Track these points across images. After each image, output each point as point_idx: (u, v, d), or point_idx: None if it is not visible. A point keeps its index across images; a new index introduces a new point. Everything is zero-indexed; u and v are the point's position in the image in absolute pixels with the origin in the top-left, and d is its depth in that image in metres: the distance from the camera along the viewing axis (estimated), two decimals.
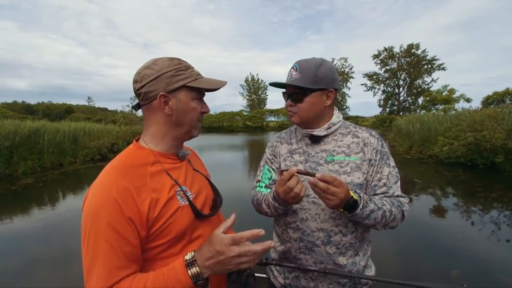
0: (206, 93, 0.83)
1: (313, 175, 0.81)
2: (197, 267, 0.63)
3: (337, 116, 1.01)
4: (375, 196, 0.91)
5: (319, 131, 0.98)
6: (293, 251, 0.99)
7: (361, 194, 0.85)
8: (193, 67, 0.81)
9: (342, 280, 0.94)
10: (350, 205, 0.82)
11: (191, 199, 0.76)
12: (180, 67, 0.76)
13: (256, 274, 1.63)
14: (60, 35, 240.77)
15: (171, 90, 0.74)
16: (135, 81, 0.76)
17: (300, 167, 0.99)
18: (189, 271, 0.63)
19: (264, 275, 1.65)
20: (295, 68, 0.93)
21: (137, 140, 0.80)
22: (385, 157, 0.96)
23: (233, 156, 12.08)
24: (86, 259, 0.62)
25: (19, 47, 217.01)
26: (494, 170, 7.15)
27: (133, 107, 0.82)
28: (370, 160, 0.94)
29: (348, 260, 0.94)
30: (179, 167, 0.82)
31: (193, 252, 0.67)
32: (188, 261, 0.64)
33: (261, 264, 0.97)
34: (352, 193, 0.82)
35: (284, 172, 0.83)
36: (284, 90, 1.01)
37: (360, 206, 0.82)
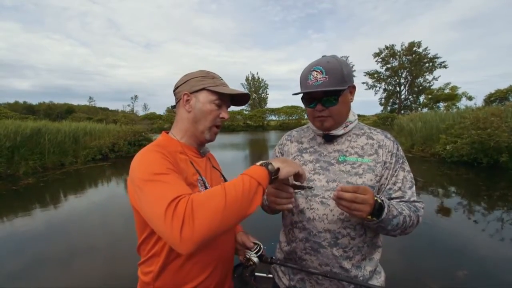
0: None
1: (307, 188, 0.83)
2: (267, 162, 0.74)
3: (353, 115, 0.98)
4: (391, 201, 0.86)
5: (336, 131, 0.95)
6: (298, 252, 0.96)
7: (382, 198, 0.80)
8: (221, 79, 0.93)
9: (347, 286, 0.90)
10: (377, 210, 0.76)
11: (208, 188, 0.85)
12: (207, 75, 0.90)
13: (256, 274, 1.61)
14: (63, 36, 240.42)
15: (193, 91, 0.88)
16: (174, 86, 0.94)
17: (310, 166, 0.96)
18: (259, 163, 0.74)
19: (265, 275, 1.63)
20: (320, 71, 0.85)
21: (166, 133, 0.93)
22: (401, 160, 0.92)
23: (234, 156, 12.05)
24: (151, 196, 0.64)
25: (22, 48, 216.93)
26: (497, 168, 7.10)
27: (171, 107, 0.97)
28: (384, 162, 0.90)
29: (354, 265, 0.90)
30: (201, 161, 0.93)
31: None
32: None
33: (266, 262, 0.96)
34: (375, 197, 0.77)
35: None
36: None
37: (386, 210, 0.77)
